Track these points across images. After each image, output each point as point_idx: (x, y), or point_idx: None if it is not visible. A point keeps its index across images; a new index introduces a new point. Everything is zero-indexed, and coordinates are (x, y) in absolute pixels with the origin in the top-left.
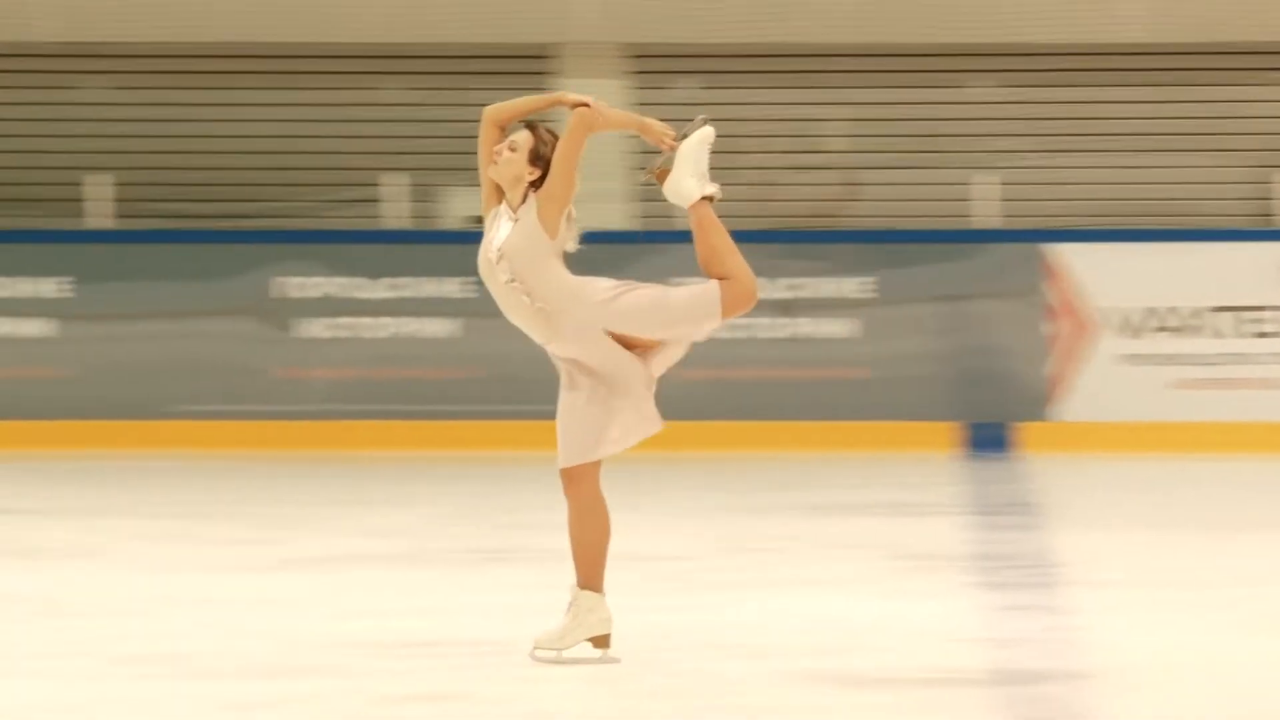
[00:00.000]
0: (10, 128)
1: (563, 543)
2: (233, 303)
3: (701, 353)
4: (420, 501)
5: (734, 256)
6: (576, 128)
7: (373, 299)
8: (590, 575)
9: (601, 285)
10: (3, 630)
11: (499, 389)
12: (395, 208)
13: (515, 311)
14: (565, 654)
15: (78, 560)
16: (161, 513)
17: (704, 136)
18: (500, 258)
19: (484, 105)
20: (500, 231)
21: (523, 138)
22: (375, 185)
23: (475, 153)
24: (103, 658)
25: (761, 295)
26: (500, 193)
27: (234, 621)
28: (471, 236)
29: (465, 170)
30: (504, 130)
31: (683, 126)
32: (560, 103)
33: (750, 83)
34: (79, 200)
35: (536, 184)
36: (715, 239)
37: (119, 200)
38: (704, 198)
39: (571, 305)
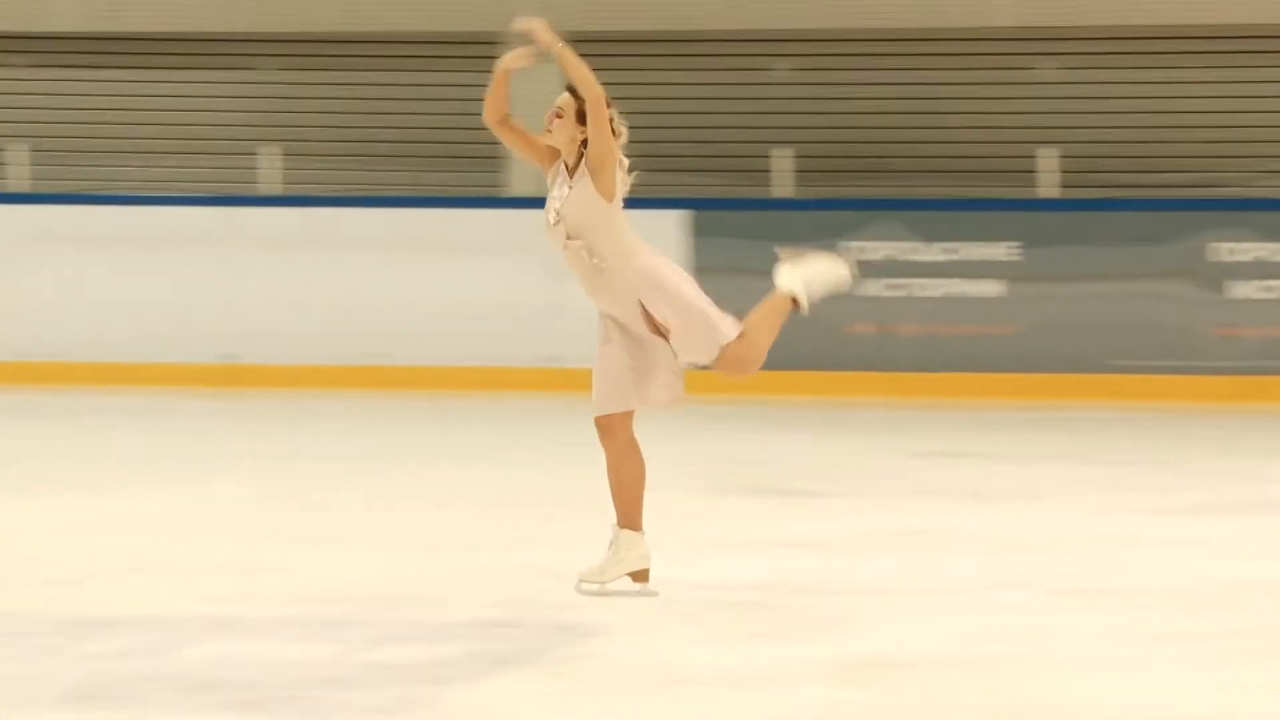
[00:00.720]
0: (970, 105)
1: None
2: (1170, 265)
3: None
4: None
5: (768, 335)
6: (595, 104)
7: None
8: (629, 516)
9: (654, 260)
10: (947, 565)
11: None
12: None
13: (573, 265)
14: (608, 586)
15: (1020, 501)
16: (1099, 459)
17: (840, 277)
18: (558, 221)
19: None
20: (559, 194)
21: (565, 101)
22: None
23: None
24: (1040, 591)
25: None
26: (553, 154)
27: (1159, 560)
28: None
29: None
30: (507, 121)
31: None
32: (506, 71)
33: None
34: (1031, 172)
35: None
36: (773, 319)
37: (1065, 172)
38: (793, 299)
39: (623, 266)
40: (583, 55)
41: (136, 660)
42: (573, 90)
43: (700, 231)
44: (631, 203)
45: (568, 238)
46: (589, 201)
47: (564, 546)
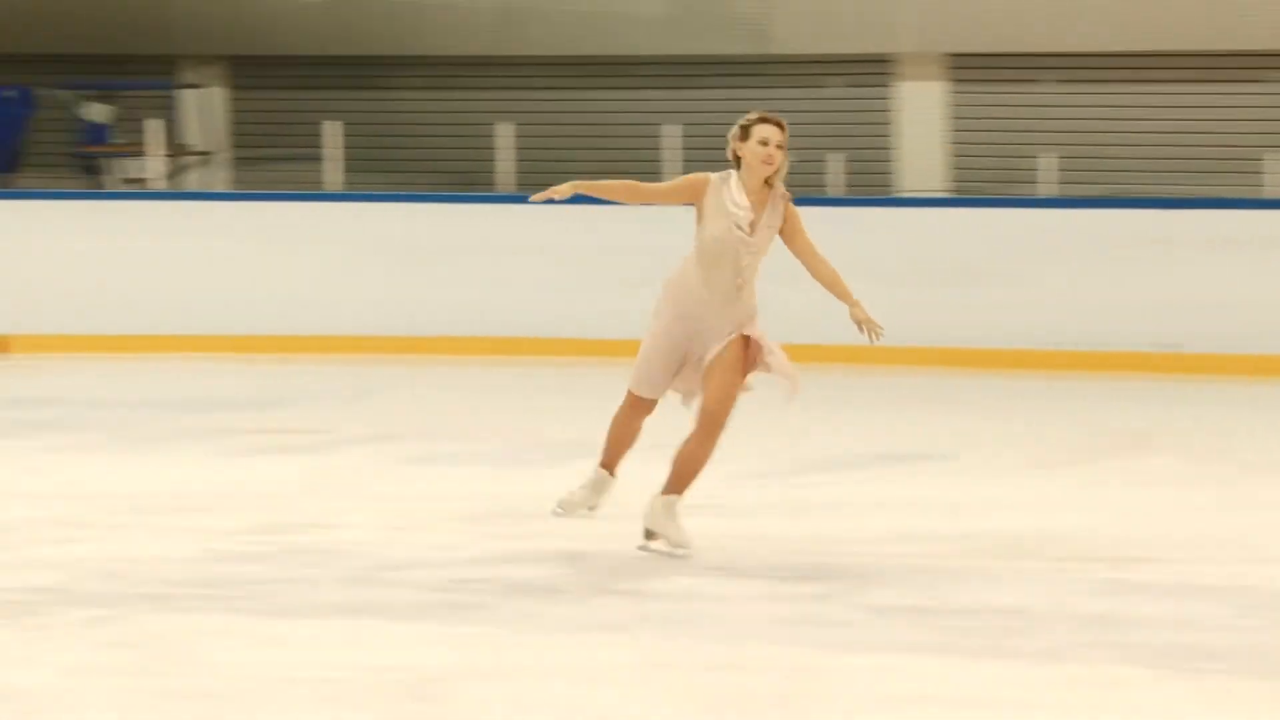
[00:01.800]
0: None
1: None
2: None
3: None
4: None
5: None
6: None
7: None
8: (678, 484)
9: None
10: None
11: None
12: None
13: (720, 277)
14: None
15: None
16: None
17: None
18: (755, 252)
19: None
20: (743, 212)
21: (782, 137)
22: None
23: None
24: None
25: None
26: (693, 186)
27: None
28: None
29: None
30: (650, 198)
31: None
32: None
33: None
34: None
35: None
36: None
37: None
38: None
39: (747, 297)
40: None
41: None
42: (778, 124)
43: None
44: None
45: (747, 260)
46: (769, 244)
47: None
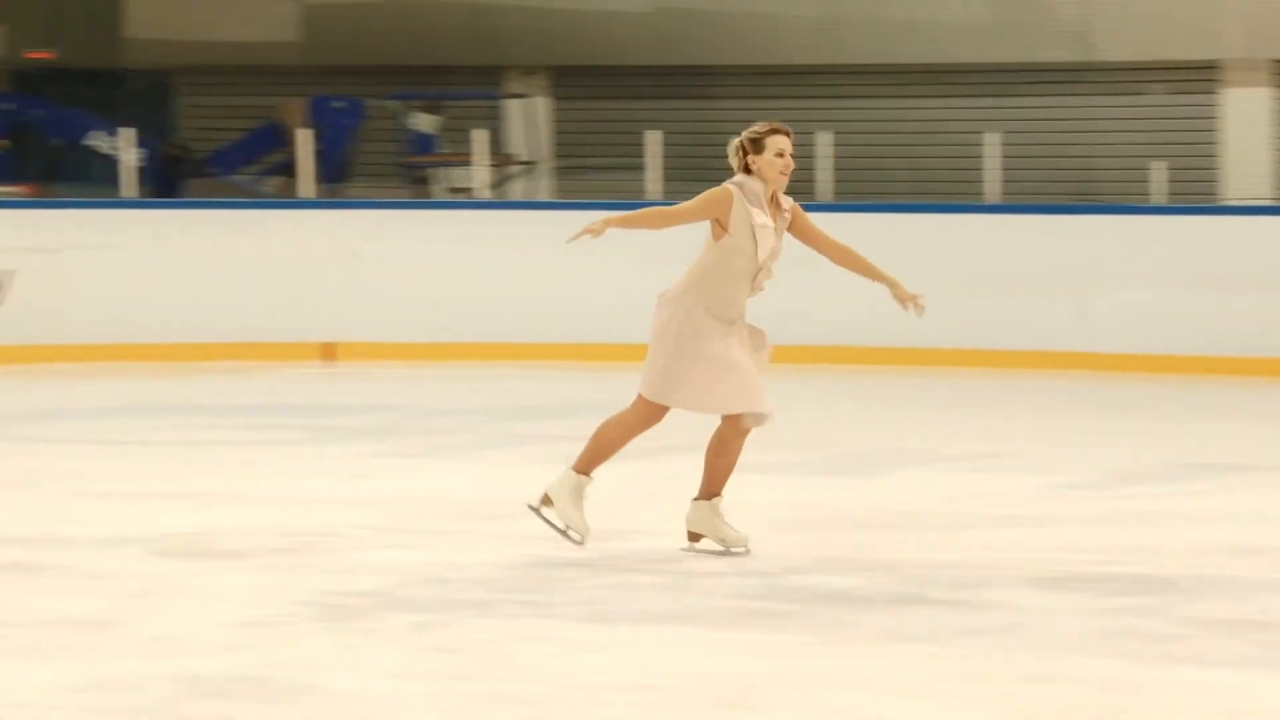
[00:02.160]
0: None
1: None
2: None
3: None
4: None
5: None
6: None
7: None
8: (718, 486)
9: None
10: None
11: None
12: None
13: (742, 284)
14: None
15: None
16: None
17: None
18: (773, 260)
19: None
20: (764, 222)
21: (791, 146)
22: None
23: None
24: None
25: None
26: (722, 201)
27: None
28: None
29: None
30: (676, 221)
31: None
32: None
33: None
34: None
35: None
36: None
37: None
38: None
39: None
40: None
41: None
42: (787, 132)
43: None
44: None
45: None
46: (781, 248)
47: None
